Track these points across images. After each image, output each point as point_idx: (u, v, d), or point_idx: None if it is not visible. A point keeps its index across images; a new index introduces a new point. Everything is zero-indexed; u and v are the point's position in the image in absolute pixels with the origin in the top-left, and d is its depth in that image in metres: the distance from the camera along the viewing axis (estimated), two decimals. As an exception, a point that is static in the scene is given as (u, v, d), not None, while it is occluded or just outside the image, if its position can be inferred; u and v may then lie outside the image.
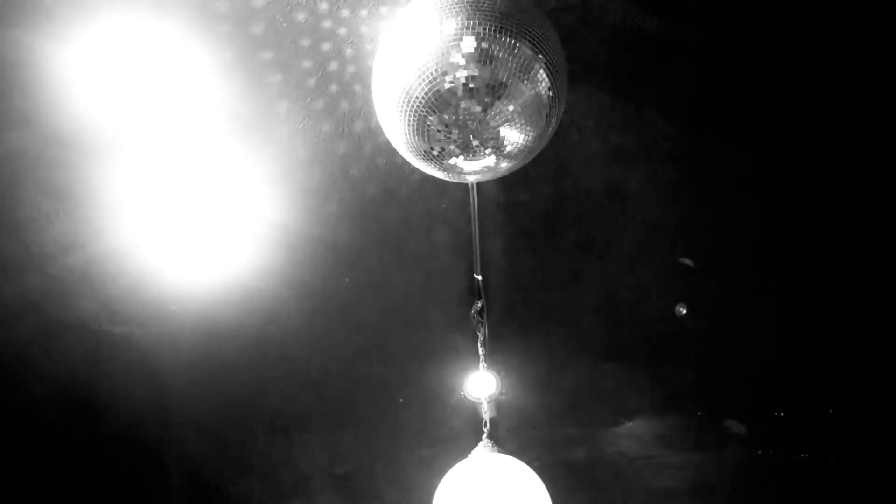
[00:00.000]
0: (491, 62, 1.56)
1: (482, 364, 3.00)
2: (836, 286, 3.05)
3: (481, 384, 3.06)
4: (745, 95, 2.48)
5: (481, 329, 2.92)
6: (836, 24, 2.30)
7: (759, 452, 3.60)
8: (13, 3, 2.05)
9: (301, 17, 2.16)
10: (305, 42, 2.22)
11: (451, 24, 1.56)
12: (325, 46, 2.23)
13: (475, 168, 1.76)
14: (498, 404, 3.21)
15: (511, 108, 1.61)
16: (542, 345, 3.19)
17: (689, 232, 2.85)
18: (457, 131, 1.63)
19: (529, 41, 1.59)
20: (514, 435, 3.43)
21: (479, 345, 2.97)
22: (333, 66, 2.28)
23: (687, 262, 2.58)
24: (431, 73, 1.57)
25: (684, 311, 2.67)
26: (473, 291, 2.88)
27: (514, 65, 1.58)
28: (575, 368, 3.27)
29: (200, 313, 2.89)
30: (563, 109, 1.78)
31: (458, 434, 3.39)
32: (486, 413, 3.04)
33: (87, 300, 2.82)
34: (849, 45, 2.35)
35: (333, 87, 2.33)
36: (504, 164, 1.78)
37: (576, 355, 3.23)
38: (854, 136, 2.60)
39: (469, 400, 3.16)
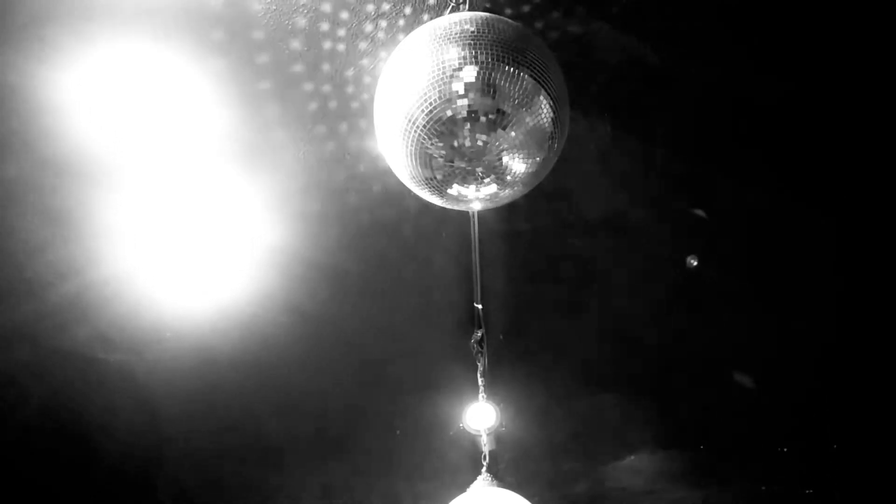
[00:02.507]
0: (493, 91, 1.55)
1: (482, 395, 2.97)
2: (838, 321, 3.04)
3: (481, 416, 3.03)
4: (747, 128, 2.48)
5: (481, 359, 2.89)
6: (837, 60, 2.31)
7: (763, 488, 3.55)
8: (13, 29, 2.05)
9: (302, 45, 2.16)
10: (305, 69, 2.22)
11: (453, 53, 1.56)
12: (326, 74, 2.23)
13: (477, 197, 1.74)
14: (497, 437, 3.17)
15: (513, 137, 1.60)
16: (542, 376, 3.16)
17: (690, 262, 2.84)
18: (458, 160, 1.62)
19: (531, 70, 1.59)
20: (513, 468, 3.38)
21: (478, 375, 2.94)
22: (333, 94, 2.28)
23: (700, 212, 2.55)
24: (433, 102, 1.57)
25: (695, 263, 2.62)
26: (473, 321, 2.86)
27: (516, 94, 1.57)
28: (576, 400, 3.23)
29: (196, 340, 2.86)
30: (564, 139, 1.77)
31: (457, 467, 3.34)
32: (486, 446, 3.00)
33: (81, 327, 2.79)
34: (850, 81, 2.36)
35: (333, 115, 2.33)
36: (506, 193, 1.77)
37: (577, 387, 3.19)
38: (857, 172, 2.60)
39: (468, 432, 3.11)
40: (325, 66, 2.22)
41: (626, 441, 3.39)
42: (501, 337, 3.01)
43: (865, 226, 2.75)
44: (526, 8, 2.11)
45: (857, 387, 3.23)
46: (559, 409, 3.26)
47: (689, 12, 2.18)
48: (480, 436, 3.03)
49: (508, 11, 2.10)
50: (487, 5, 2.06)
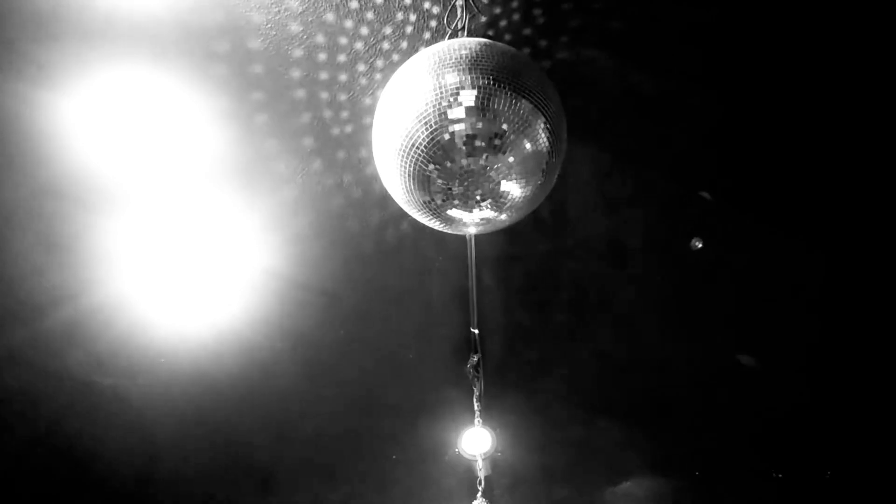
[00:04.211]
0: (491, 116, 1.57)
1: (477, 420, 2.95)
2: (833, 346, 3.04)
3: (476, 441, 3.00)
4: (746, 156, 2.50)
5: (477, 384, 2.87)
6: (837, 88, 2.34)
7: (758, 515, 3.52)
8: (13, 55, 2.07)
9: (299, 68, 2.18)
10: (302, 93, 2.24)
11: (452, 78, 1.58)
12: (323, 97, 2.25)
13: (474, 220, 1.75)
14: (493, 462, 3.14)
15: (510, 161, 1.61)
16: (538, 401, 3.14)
17: (687, 289, 2.85)
18: (456, 183, 1.63)
19: (529, 96, 1.60)
20: (509, 494, 3.34)
21: (474, 400, 2.92)
22: (331, 117, 2.29)
23: (705, 195, 2.54)
24: (431, 126, 1.58)
25: (700, 245, 2.61)
26: (469, 345, 2.85)
27: (514, 118, 1.59)
28: (572, 426, 3.21)
29: (191, 365, 2.84)
30: (561, 164, 1.78)
31: (452, 493, 3.30)
32: (481, 471, 2.97)
33: (76, 351, 2.77)
34: (850, 109, 2.40)
35: (331, 139, 2.34)
36: (503, 217, 1.77)
37: (573, 412, 3.17)
38: (846, 203, 2.63)
39: (463, 457, 3.08)
40: (324, 95, 2.24)
41: (622, 467, 3.36)
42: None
43: (859, 253, 2.77)
44: (525, 34, 2.14)
45: (851, 413, 3.23)
46: (555, 435, 3.24)
47: (688, 40, 2.21)
48: (476, 461, 3.01)
49: (508, 38, 2.12)
50: (489, 32, 2.09)
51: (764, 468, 3.39)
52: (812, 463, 3.37)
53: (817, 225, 2.68)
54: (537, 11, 2.11)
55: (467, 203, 1.68)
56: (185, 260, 2.56)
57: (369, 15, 2.09)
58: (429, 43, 2.11)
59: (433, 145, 1.58)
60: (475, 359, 2.83)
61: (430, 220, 1.79)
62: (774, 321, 2.97)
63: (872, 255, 2.78)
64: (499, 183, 1.64)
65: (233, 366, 2.85)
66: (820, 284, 2.86)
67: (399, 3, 2.06)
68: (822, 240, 2.72)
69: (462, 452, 3.07)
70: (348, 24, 2.10)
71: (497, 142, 1.58)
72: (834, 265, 2.80)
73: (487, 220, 1.77)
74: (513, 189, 1.67)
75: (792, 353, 3.05)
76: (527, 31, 2.14)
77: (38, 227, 2.44)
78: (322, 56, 2.15)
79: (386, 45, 2.15)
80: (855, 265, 2.80)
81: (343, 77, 2.20)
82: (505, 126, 1.58)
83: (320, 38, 2.12)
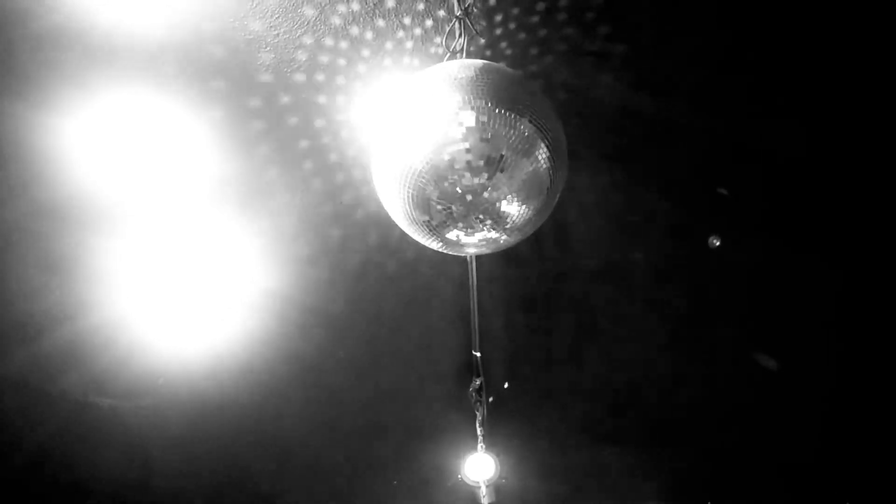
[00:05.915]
0: (491, 136, 1.55)
1: (480, 445, 2.91)
2: (845, 372, 2.99)
3: (480, 467, 2.97)
4: (746, 176, 2.48)
5: (480, 408, 2.84)
6: (837, 109, 2.32)
7: (771, 545, 3.46)
8: (13, 76, 2.07)
9: (297, 88, 2.18)
10: (300, 117, 2.23)
11: (452, 99, 1.56)
12: (320, 121, 2.24)
13: (474, 241, 1.73)
14: (497, 488, 3.09)
15: (511, 182, 1.59)
16: (543, 426, 3.10)
17: (691, 311, 2.82)
18: (456, 204, 1.61)
19: (529, 117, 1.59)
20: (513, 521, 3.30)
21: (477, 425, 2.89)
22: (329, 139, 2.29)
23: (723, 191, 2.50)
24: (431, 147, 1.56)
25: (717, 243, 2.56)
26: (472, 368, 2.82)
27: (514, 139, 1.57)
28: (578, 451, 3.17)
29: (189, 387, 2.82)
30: (562, 185, 1.76)
31: (455, 520, 3.26)
32: (485, 498, 2.94)
33: (75, 373, 2.76)
34: (851, 128, 2.37)
35: (329, 161, 2.33)
36: (504, 239, 1.75)
37: (579, 437, 3.13)
38: (860, 221, 2.60)
39: (467, 483, 3.04)
40: (319, 122, 2.24)
41: (630, 494, 3.31)
42: (506, 385, 2.97)
43: (870, 277, 2.73)
44: (524, 56, 2.13)
45: (872, 441, 3.17)
46: (561, 461, 3.20)
47: (687, 62, 2.20)
48: (479, 487, 2.97)
49: (507, 58, 2.12)
50: (487, 53, 2.08)
51: (780, 498, 3.33)
52: (830, 493, 3.31)
53: (829, 240, 2.65)
54: (541, 33, 2.10)
55: (467, 224, 1.66)
56: (184, 281, 2.55)
57: (368, 35, 2.08)
58: (428, 64, 2.11)
59: (432, 166, 1.56)
60: (478, 382, 2.80)
61: (431, 241, 1.77)
62: (785, 346, 2.93)
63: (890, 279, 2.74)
64: (499, 204, 1.62)
65: (232, 388, 2.84)
66: (836, 307, 2.82)
67: (399, 24, 2.06)
68: (836, 256, 2.69)
69: (465, 478, 3.03)
70: (343, 45, 2.09)
71: (497, 163, 1.56)
72: (852, 284, 2.76)
73: (489, 241, 1.75)
74: (513, 210, 1.65)
75: (810, 380, 3.00)
76: (526, 53, 2.13)
77: (38, 247, 2.44)
78: (321, 77, 2.15)
79: (387, 61, 2.14)
80: (875, 283, 2.76)
81: (340, 99, 2.20)
82: (505, 147, 1.56)
83: (322, 59, 2.11)
